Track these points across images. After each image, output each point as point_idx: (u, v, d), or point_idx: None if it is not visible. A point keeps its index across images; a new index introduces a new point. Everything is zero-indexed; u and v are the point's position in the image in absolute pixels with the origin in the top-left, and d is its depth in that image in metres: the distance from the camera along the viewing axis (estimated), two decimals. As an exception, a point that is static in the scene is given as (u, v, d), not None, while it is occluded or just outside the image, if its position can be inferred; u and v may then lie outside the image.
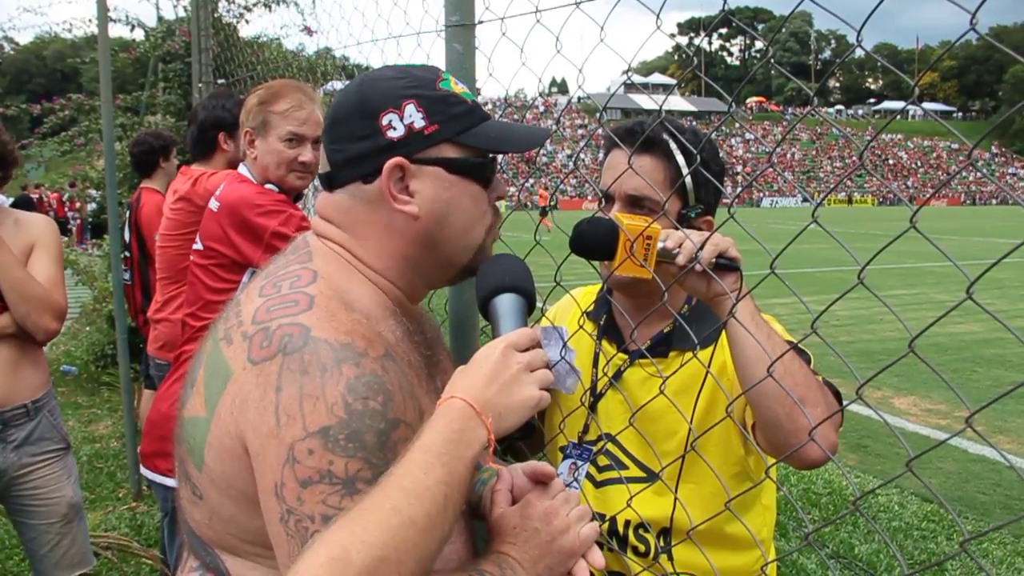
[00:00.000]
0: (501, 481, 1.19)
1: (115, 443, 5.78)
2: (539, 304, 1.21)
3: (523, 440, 1.06)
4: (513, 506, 1.14)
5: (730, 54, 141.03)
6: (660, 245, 1.33)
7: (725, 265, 1.30)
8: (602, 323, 1.69)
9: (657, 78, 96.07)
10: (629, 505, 1.42)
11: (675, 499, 1.47)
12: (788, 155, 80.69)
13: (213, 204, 2.49)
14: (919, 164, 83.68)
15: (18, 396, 2.55)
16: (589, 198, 49.86)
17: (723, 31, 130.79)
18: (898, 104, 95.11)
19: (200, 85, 5.14)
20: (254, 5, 6.36)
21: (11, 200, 14.18)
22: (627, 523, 1.56)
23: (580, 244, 1.40)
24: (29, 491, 2.61)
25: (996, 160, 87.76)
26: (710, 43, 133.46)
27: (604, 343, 1.67)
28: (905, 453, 0.88)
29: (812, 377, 1.28)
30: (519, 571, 1.05)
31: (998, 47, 0.77)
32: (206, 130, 3.30)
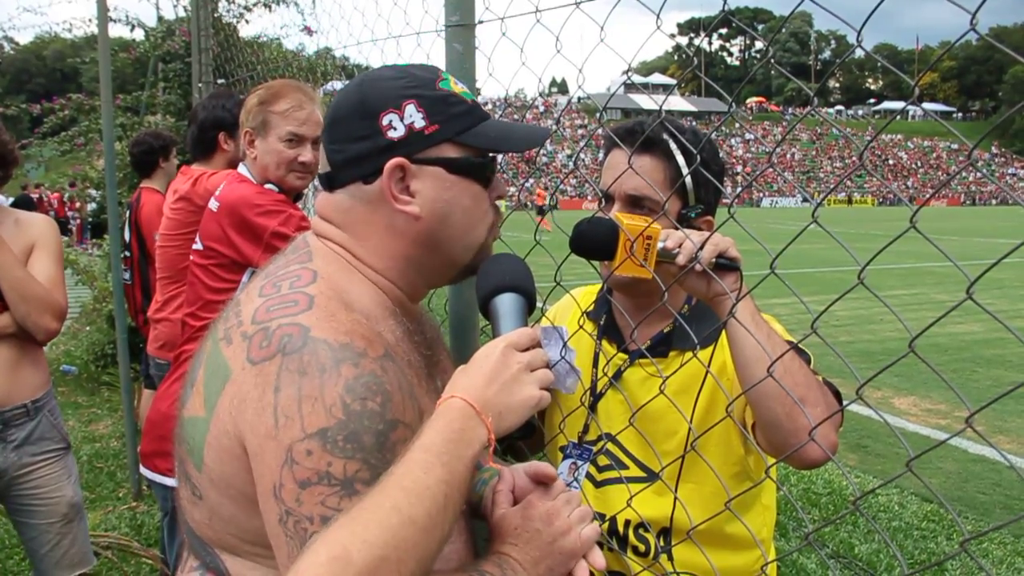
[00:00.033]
0: (502, 482, 1.19)
1: (115, 443, 5.78)
2: (539, 304, 1.21)
3: (523, 440, 1.06)
4: (514, 507, 1.14)
5: (730, 54, 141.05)
6: (660, 245, 1.33)
7: (725, 265, 1.30)
8: (602, 323, 1.69)
9: (657, 78, 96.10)
10: (629, 505, 1.42)
11: (675, 499, 1.47)
12: (788, 155, 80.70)
13: (213, 204, 2.49)
14: (919, 164, 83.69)
15: (18, 396, 2.55)
16: (589, 198, 49.87)
17: (723, 31, 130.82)
18: (898, 104, 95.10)
19: (200, 85, 5.14)
20: (254, 5, 6.36)
21: (11, 200, 14.18)
22: (627, 523, 1.57)
23: (580, 244, 1.40)
24: (29, 491, 2.61)
25: (996, 160, 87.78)
26: (710, 43, 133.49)
27: (604, 343, 1.67)
28: (905, 453, 0.89)
29: (812, 377, 1.28)
30: (520, 572, 1.05)
31: (998, 47, 0.77)
32: (206, 130, 3.30)
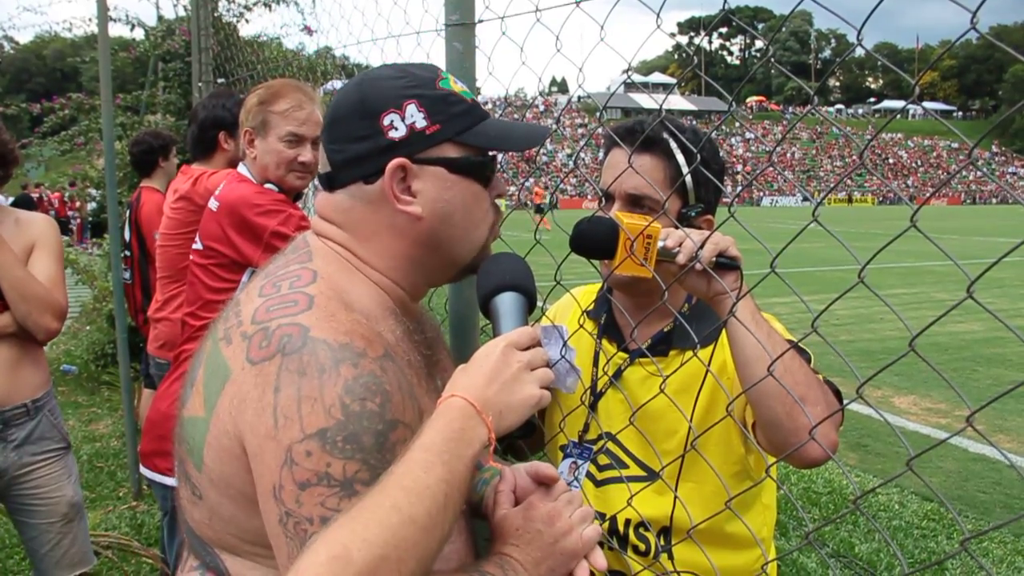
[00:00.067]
0: (504, 482, 1.19)
1: (115, 442, 5.79)
2: (539, 303, 1.21)
3: (523, 439, 1.06)
4: (516, 507, 1.14)
5: (730, 53, 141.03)
6: (660, 244, 1.33)
7: (725, 264, 1.30)
8: (602, 322, 1.69)
9: (657, 77, 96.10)
10: (629, 504, 1.42)
11: (675, 498, 1.47)
12: (788, 154, 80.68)
13: (212, 204, 2.49)
14: (919, 163, 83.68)
15: (18, 395, 2.55)
16: (589, 197, 49.86)
17: (723, 30, 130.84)
18: (898, 103, 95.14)
19: (200, 84, 5.14)
20: (254, 4, 6.36)
21: (11, 199, 14.18)
22: (627, 522, 1.57)
23: (580, 243, 1.40)
24: (30, 490, 2.61)
25: (996, 159, 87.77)
26: (710, 42, 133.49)
27: (604, 342, 1.67)
28: (905, 452, 0.89)
29: (812, 376, 1.28)
30: (521, 572, 1.05)
31: (998, 46, 0.77)
32: (206, 129, 3.30)
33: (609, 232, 1.36)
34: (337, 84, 4.86)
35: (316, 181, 1.21)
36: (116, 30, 10.84)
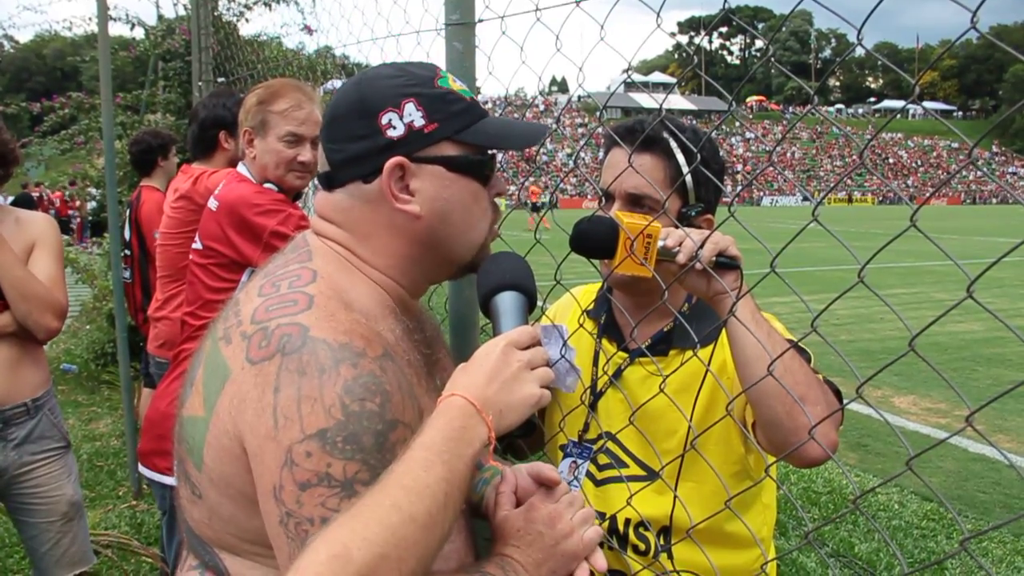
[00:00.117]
0: (505, 483, 1.19)
1: (115, 441, 5.79)
2: (539, 303, 1.21)
3: (523, 438, 1.06)
4: (517, 508, 1.15)
5: (730, 53, 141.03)
6: (660, 243, 1.32)
7: (725, 263, 1.30)
8: (602, 321, 1.69)
9: (657, 77, 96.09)
10: (629, 503, 1.42)
11: (675, 497, 1.47)
12: (788, 154, 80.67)
13: (212, 203, 2.49)
14: (919, 163, 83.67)
15: (19, 394, 2.55)
16: (589, 197, 49.87)
17: (723, 30, 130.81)
18: (898, 103, 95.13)
19: (200, 84, 5.13)
20: (254, 4, 6.36)
21: (11, 199, 14.18)
22: (627, 521, 1.57)
23: (580, 243, 1.40)
24: (29, 489, 2.61)
25: (996, 159, 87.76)
26: (710, 42, 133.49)
27: (604, 341, 1.67)
28: (905, 452, 0.89)
29: (812, 376, 1.28)
30: (522, 573, 1.05)
31: (999, 46, 0.77)
32: (207, 128, 3.31)
33: (609, 232, 1.36)
34: (337, 83, 4.86)
35: (316, 180, 1.21)
36: (116, 29, 10.83)
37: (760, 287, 1.26)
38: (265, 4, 6.40)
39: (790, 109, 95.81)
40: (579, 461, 1.64)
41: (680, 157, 1.51)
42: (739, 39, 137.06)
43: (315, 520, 0.88)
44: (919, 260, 17.19)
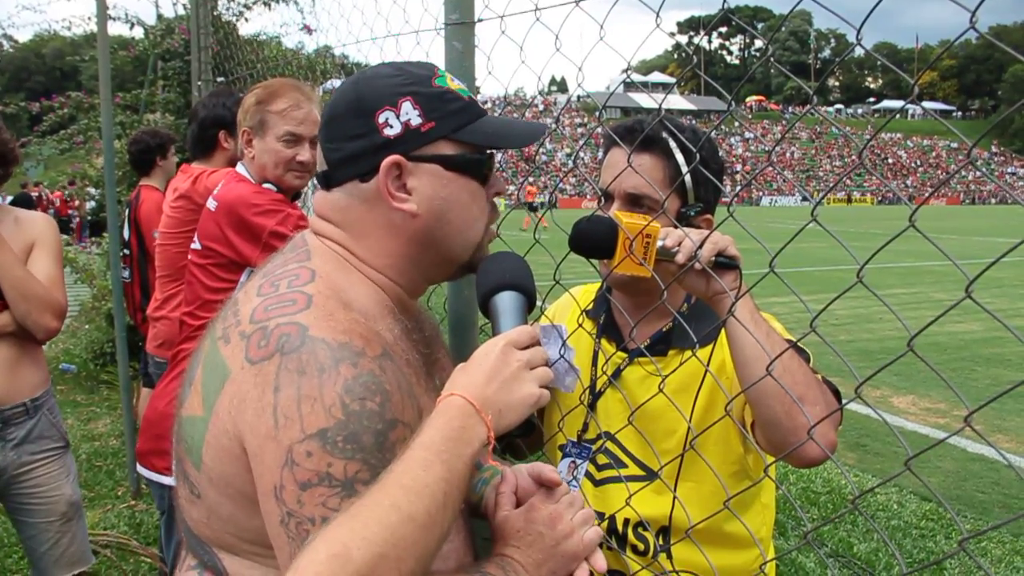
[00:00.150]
0: (505, 483, 1.19)
1: (114, 441, 5.78)
2: (538, 303, 1.21)
3: (522, 438, 1.06)
4: (518, 509, 1.15)
5: (729, 53, 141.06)
6: (659, 243, 1.32)
7: (724, 263, 1.30)
8: (601, 321, 1.69)
9: (657, 77, 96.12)
10: (628, 504, 1.42)
11: (674, 498, 1.47)
12: (787, 154, 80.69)
13: (211, 203, 2.49)
14: (918, 163, 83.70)
15: (18, 394, 2.55)
16: (588, 196, 49.87)
17: (723, 30, 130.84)
18: (898, 103, 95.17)
19: (199, 83, 5.13)
20: (254, 3, 6.35)
21: (10, 198, 14.17)
22: (626, 521, 1.57)
23: (579, 243, 1.40)
24: (28, 489, 2.61)
25: (995, 159, 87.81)
26: (710, 42, 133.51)
27: (603, 341, 1.67)
28: (904, 452, 0.89)
29: (811, 376, 1.28)
30: (522, 574, 1.05)
31: (998, 46, 0.77)
32: (207, 128, 3.30)
33: (608, 231, 1.36)
34: (336, 83, 4.85)
35: (315, 180, 1.21)
36: (115, 29, 10.83)
37: (759, 287, 1.26)
38: (264, 4, 6.40)
39: (789, 109, 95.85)
40: (578, 461, 1.64)
41: (679, 157, 1.51)
42: (738, 39, 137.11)
43: (316, 520, 0.88)
44: (918, 260, 17.20)
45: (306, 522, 0.88)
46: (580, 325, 1.64)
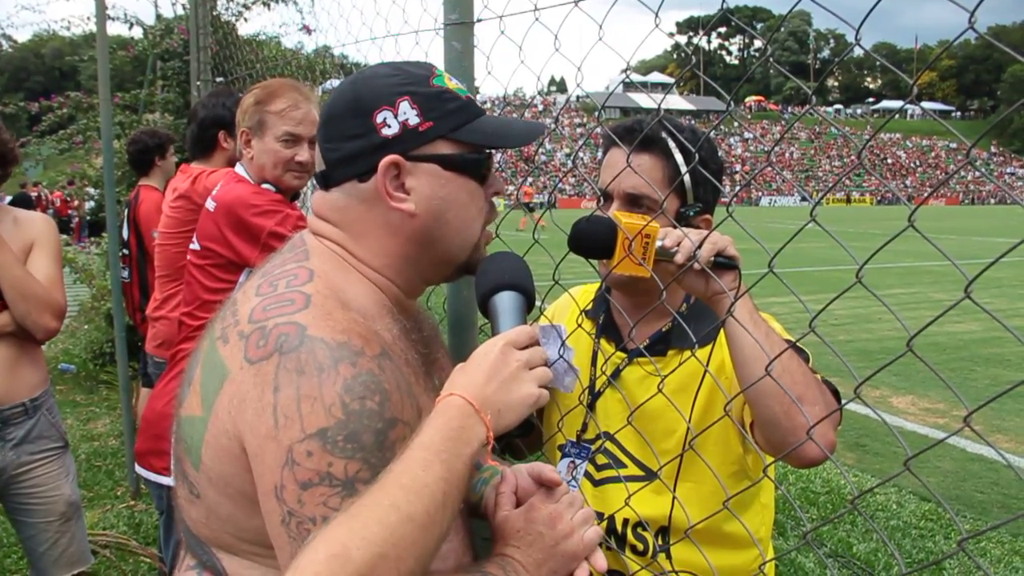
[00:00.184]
0: (505, 483, 1.19)
1: (113, 441, 5.78)
2: (538, 303, 1.21)
3: (521, 438, 1.06)
4: (518, 509, 1.15)
5: (729, 53, 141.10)
6: (658, 243, 1.32)
7: (723, 263, 1.30)
8: (600, 322, 1.69)
9: (656, 77, 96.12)
10: (627, 504, 1.42)
11: (673, 498, 1.47)
12: (787, 154, 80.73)
13: (210, 204, 2.49)
14: (917, 163, 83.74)
15: (17, 394, 2.55)
16: (588, 197, 49.88)
17: (722, 30, 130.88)
18: (897, 103, 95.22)
19: (198, 83, 5.13)
20: (253, 3, 6.35)
21: (9, 198, 14.17)
22: (625, 522, 1.56)
23: (579, 243, 1.40)
24: (27, 489, 2.61)
25: (994, 159, 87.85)
26: (709, 42, 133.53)
27: (602, 342, 1.67)
28: (903, 452, 0.89)
29: (810, 376, 1.28)
30: (523, 573, 1.05)
31: (997, 46, 0.77)
32: (206, 128, 3.30)
33: (607, 231, 1.36)
34: (336, 83, 4.85)
35: (313, 180, 1.21)
36: (114, 29, 10.83)
37: (758, 287, 1.26)
38: (264, 3, 6.40)
39: (788, 109, 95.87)
40: (577, 461, 1.64)
41: (678, 157, 1.51)
42: (738, 39, 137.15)
43: (317, 519, 0.88)
44: (917, 260, 17.21)
45: (307, 521, 0.88)
46: (579, 325, 1.64)
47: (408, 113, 1.05)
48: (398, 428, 0.94)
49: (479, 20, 1.61)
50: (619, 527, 1.57)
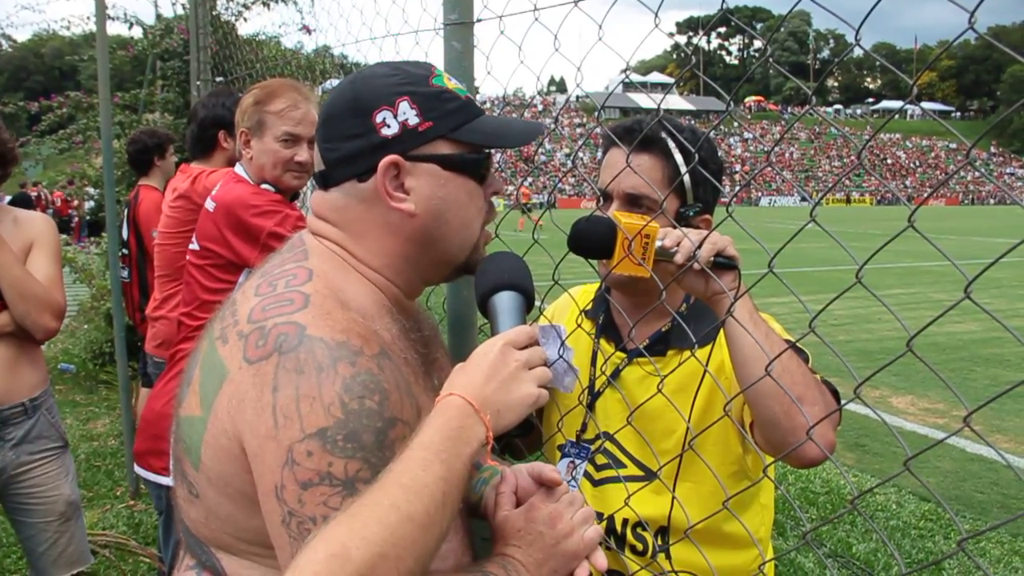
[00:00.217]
0: (505, 483, 1.19)
1: (113, 441, 5.78)
2: (537, 303, 1.21)
3: (521, 437, 1.06)
4: (518, 508, 1.15)
5: (728, 53, 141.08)
6: (658, 243, 1.32)
7: (723, 264, 1.30)
8: (600, 322, 1.69)
9: (655, 77, 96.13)
10: (627, 504, 1.42)
11: (673, 498, 1.47)
12: (786, 154, 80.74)
13: (209, 204, 2.49)
14: (917, 163, 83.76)
15: (16, 394, 2.55)
16: (587, 197, 49.87)
17: (721, 30, 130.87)
18: (896, 103, 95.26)
19: (198, 83, 5.13)
20: (252, 3, 6.36)
21: (9, 198, 14.17)
22: (625, 522, 1.56)
23: (578, 243, 1.40)
24: (27, 489, 2.61)
25: (994, 160, 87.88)
26: (708, 42, 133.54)
27: (602, 342, 1.67)
28: (903, 452, 0.89)
29: (810, 376, 1.28)
30: (524, 573, 1.05)
31: (997, 46, 0.77)
32: (206, 128, 3.30)
33: (607, 232, 1.36)
34: (336, 83, 4.85)
35: (313, 180, 1.21)
36: (114, 28, 10.82)
37: (758, 287, 1.26)
38: (264, 3, 6.40)
39: (788, 109, 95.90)
40: (577, 461, 1.64)
41: (678, 157, 1.51)
42: (737, 39, 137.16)
43: (317, 519, 0.88)
44: (917, 260, 17.21)
45: (307, 521, 0.88)
46: (579, 325, 1.64)
47: (408, 113, 1.05)
48: (397, 427, 0.94)
49: (479, 20, 1.61)
50: (618, 527, 1.57)
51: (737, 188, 1.80)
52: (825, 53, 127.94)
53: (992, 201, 71.53)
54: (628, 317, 1.56)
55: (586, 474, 1.63)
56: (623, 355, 1.61)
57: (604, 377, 1.62)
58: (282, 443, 0.89)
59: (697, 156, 1.37)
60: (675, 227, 1.36)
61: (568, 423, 1.64)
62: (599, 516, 1.52)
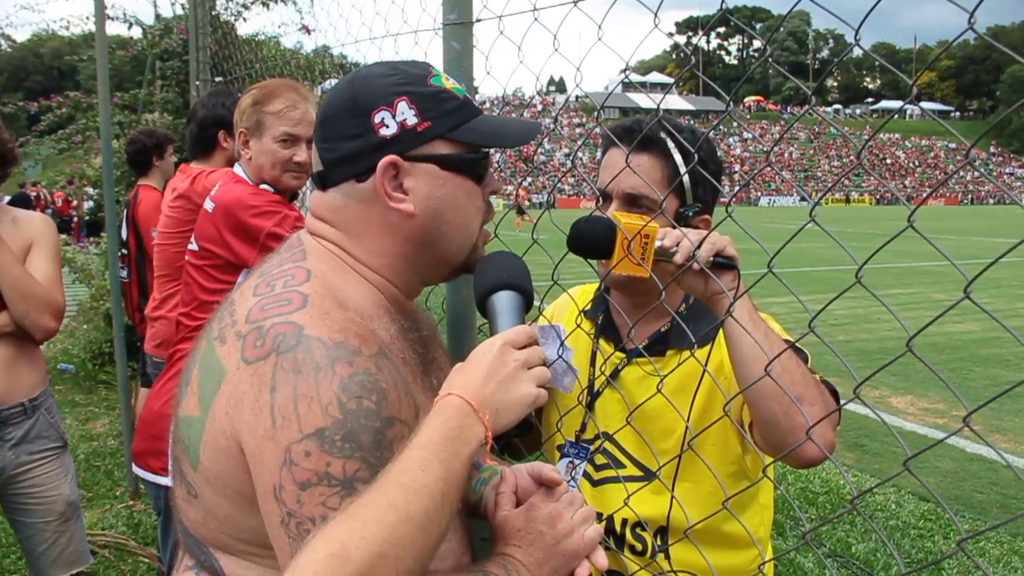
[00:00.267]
0: (505, 483, 1.19)
1: (112, 441, 5.78)
2: (536, 303, 1.21)
3: (520, 437, 1.06)
4: (518, 508, 1.15)
5: (728, 53, 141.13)
6: (658, 243, 1.32)
7: (723, 264, 1.30)
8: (600, 322, 1.69)
9: (655, 77, 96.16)
10: (626, 504, 1.41)
11: (672, 498, 1.47)
12: (786, 154, 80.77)
13: (208, 205, 2.49)
14: (917, 163, 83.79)
15: (16, 394, 2.55)
16: (586, 196, 49.88)
17: (721, 30, 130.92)
18: (896, 103, 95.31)
19: (197, 83, 5.13)
20: (252, 3, 6.35)
21: (8, 198, 14.17)
22: (624, 522, 1.56)
23: (578, 243, 1.40)
24: (26, 489, 2.61)
25: (994, 159, 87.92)
26: (708, 42, 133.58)
27: (602, 342, 1.67)
28: (902, 452, 0.89)
29: (810, 376, 1.28)
30: (524, 573, 1.05)
31: (996, 47, 0.77)
32: (206, 128, 3.30)
33: (606, 232, 1.36)
34: (335, 83, 4.84)
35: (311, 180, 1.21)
36: (114, 28, 10.82)
37: (757, 287, 1.26)
38: (263, 3, 6.40)
39: (788, 109, 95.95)
40: (576, 461, 1.64)
41: (677, 157, 1.51)
42: (737, 39, 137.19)
43: (316, 519, 0.88)
44: (916, 260, 17.22)
45: (306, 522, 0.88)
46: (578, 325, 1.64)
47: (406, 113, 1.05)
48: (396, 427, 0.93)
49: (478, 20, 1.61)
50: (618, 527, 1.57)
51: (736, 188, 1.80)
52: (824, 53, 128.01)
53: (991, 201, 71.59)
54: (627, 317, 1.56)
55: (585, 474, 1.63)
56: (622, 355, 1.61)
57: (603, 377, 1.62)
58: (280, 443, 0.89)
59: (696, 156, 1.37)
60: (674, 227, 1.36)
61: (567, 423, 1.64)
62: (598, 516, 1.52)
